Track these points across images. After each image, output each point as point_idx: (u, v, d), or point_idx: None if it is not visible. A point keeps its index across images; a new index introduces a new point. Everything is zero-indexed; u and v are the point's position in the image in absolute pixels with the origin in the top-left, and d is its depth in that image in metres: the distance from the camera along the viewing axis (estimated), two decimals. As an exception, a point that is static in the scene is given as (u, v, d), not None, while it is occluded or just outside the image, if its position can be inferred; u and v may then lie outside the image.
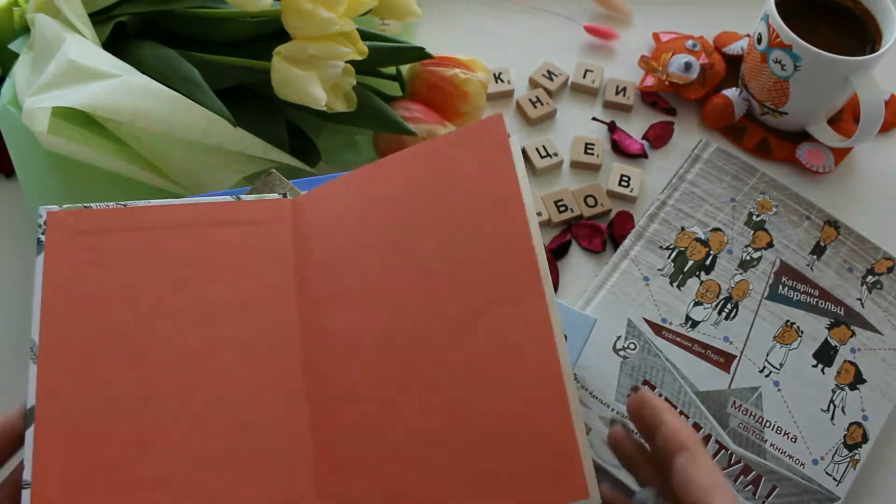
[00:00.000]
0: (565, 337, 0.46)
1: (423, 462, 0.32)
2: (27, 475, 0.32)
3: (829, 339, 0.53)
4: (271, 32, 0.50)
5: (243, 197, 0.40)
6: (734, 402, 0.50)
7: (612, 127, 0.63)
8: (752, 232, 0.56)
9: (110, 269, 0.37)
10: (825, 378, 0.51)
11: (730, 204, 0.57)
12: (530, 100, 0.63)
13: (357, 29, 0.49)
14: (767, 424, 0.49)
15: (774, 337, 0.52)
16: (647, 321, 0.52)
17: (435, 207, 0.37)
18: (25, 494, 0.32)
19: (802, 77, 0.57)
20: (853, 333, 0.53)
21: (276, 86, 0.47)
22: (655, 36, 0.68)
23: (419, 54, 0.55)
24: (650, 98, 0.65)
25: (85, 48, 0.46)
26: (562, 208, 0.58)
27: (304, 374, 0.36)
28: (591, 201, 0.59)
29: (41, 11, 0.49)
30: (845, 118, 0.63)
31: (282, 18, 0.47)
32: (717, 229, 0.56)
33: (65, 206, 0.38)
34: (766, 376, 0.51)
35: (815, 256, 0.56)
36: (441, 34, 0.66)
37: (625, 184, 0.59)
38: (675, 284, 0.54)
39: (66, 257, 0.37)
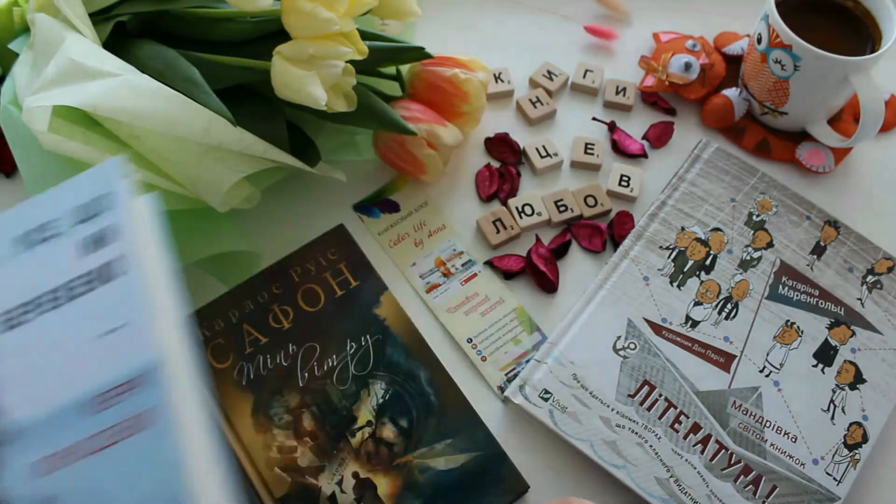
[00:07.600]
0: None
1: None
2: None
3: (829, 338, 0.53)
4: (271, 32, 0.50)
5: None
6: (734, 401, 0.50)
7: (612, 127, 0.63)
8: (752, 232, 0.56)
9: None
10: (825, 378, 0.51)
11: (730, 204, 0.57)
12: (530, 100, 0.63)
13: (357, 29, 0.49)
14: (767, 424, 0.49)
15: (774, 337, 0.52)
16: (647, 321, 0.52)
17: None
18: None
19: (802, 77, 0.57)
20: (853, 333, 0.53)
21: (276, 86, 0.47)
22: (655, 36, 0.68)
23: (419, 54, 0.55)
24: (650, 98, 0.65)
25: (85, 48, 0.46)
26: (562, 208, 0.58)
27: None
28: (591, 201, 0.59)
29: (41, 11, 0.49)
30: (845, 118, 0.63)
31: (282, 18, 0.47)
32: (717, 229, 0.56)
33: None
34: (766, 376, 0.51)
35: (815, 256, 0.56)
36: (441, 34, 0.66)
37: (625, 184, 0.59)
38: (675, 284, 0.54)
39: None
